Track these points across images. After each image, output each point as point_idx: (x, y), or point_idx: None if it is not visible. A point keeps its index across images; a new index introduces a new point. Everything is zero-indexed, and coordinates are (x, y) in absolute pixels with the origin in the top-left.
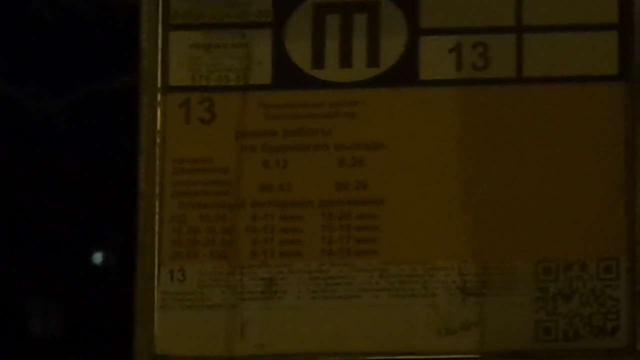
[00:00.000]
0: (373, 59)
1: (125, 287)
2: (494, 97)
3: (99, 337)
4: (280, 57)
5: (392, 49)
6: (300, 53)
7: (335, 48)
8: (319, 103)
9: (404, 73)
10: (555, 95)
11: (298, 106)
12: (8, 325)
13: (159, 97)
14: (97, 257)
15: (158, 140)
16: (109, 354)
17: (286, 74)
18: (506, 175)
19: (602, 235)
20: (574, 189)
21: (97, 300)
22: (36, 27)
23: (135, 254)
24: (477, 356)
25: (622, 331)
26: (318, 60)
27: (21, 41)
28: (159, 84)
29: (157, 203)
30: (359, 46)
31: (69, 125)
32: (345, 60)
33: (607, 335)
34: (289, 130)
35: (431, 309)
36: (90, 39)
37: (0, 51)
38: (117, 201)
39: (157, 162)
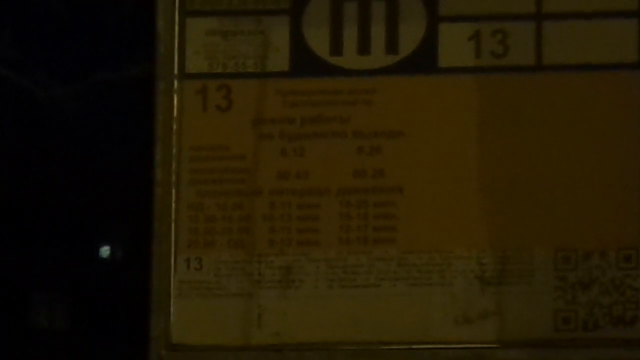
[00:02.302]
0: (391, 46)
1: (132, 280)
2: (513, 85)
3: (105, 329)
4: (298, 44)
5: (410, 36)
6: (318, 40)
7: (354, 35)
8: (337, 90)
9: (423, 60)
10: (575, 83)
11: (316, 93)
12: (15, 317)
13: (175, 84)
14: (105, 251)
15: (174, 127)
16: (114, 346)
17: (304, 61)
18: (525, 163)
19: (622, 224)
20: (593, 177)
21: (103, 293)
22: (45, 15)
23: (144, 246)
24: (495, 345)
25: None
26: (336, 47)
27: (30, 29)
28: (176, 71)
29: (173, 191)
30: (378, 33)
31: (77, 114)
32: (364, 47)
33: (626, 325)
34: (306, 117)
35: (449, 297)
36: (100, 28)
37: (9, 39)
38: (125, 193)
39: (174, 150)
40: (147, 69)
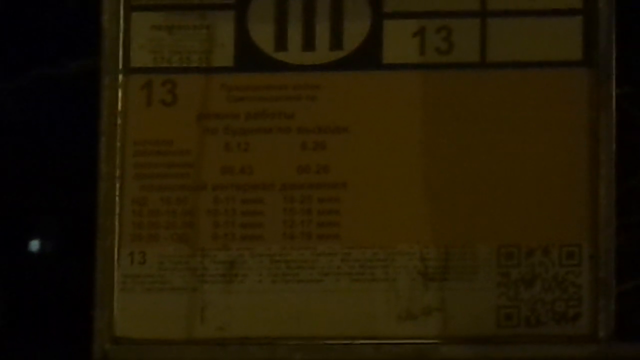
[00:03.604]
0: (336, 42)
1: (62, 274)
2: (457, 82)
3: (35, 322)
4: (243, 39)
5: (355, 32)
6: (263, 35)
7: (299, 31)
8: (282, 86)
9: (368, 56)
10: (519, 80)
11: (260, 89)
12: None
13: (120, 78)
14: (34, 245)
15: (119, 121)
16: (50, 339)
17: (249, 57)
18: (469, 160)
19: (565, 221)
20: (537, 175)
21: (34, 286)
22: None
23: (75, 239)
24: (438, 341)
25: (584, 318)
26: (281, 42)
27: None
28: (120, 65)
29: (117, 185)
30: (322, 29)
31: (13, 109)
32: (308, 43)
33: (569, 321)
34: (251, 113)
35: (392, 293)
36: (39, 23)
37: None
38: (57, 188)
39: (118, 144)
40: (87, 64)
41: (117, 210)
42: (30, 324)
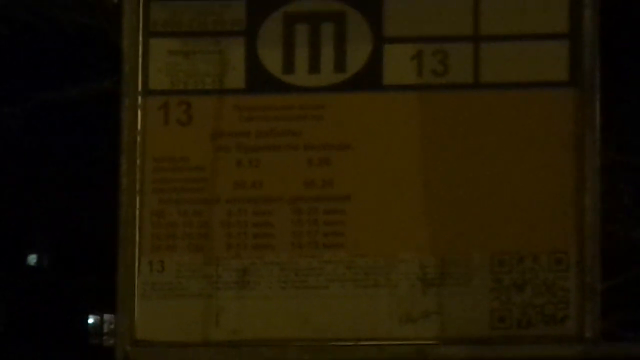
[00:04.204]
0: (340, 65)
1: (58, 285)
2: (452, 102)
3: (33, 329)
4: (253, 63)
5: (357, 55)
6: (271, 59)
7: (305, 55)
8: (289, 106)
9: (369, 78)
10: (510, 100)
11: (269, 109)
12: None
13: (139, 99)
14: (32, 259)
15: (138, 140)
16: (47, 346)
17: (259, 79)
18: (464, 175)
19: (553, 230)
20: (527, 188)
21: (31, 297)
22: None
23: (69, 253)
24: (436, 342)
25: (572, 320)
26: (288, 66)
27: None
28: (140, 88)
29: (137, 199)
30: (327, 53)
31: (20, 131)
32: (314, 66)
33: (557, 323)
34: (261, 131)
35: (394, 298)
36: (42, 51)
37: None
38: (53, 205)
39: (138, 161)
40: (86, 90)
41: (137, 222)
42: (25, 329)
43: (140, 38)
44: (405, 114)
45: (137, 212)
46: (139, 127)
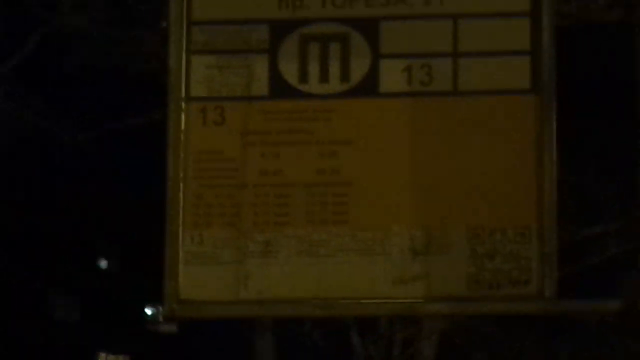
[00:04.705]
0: (345, 76)
1: (125, 285)
2: (436, 106)
3: (105, 321)
4: (275, 74)
5: (359, 69)
6: (289, 71)
7: (316, 68)
8: (304, 109)
9: (368, 87)
10: (483, 104)
11: (288, 112)
12: (36, 313)
13: (182, 105)
14: (103, 264)
15: (182, 137)
16: (114, 333)
17: (279, 88)
18: (446, 164)
19: (518, 209)
20: (497, 175)
21: (104, 294)
22: (68, 75)
23: (135, 260)
24: (423, 300)
25: (533, 282)
26: (303, 77)
27: (58, 86)
28: (183, 95)
29: (181, 184)
30: (334, 66)
31: (93, 155)
32: (324, 77)
33: (521, 285)
34: (281, 130)
35: (388, 264)
36: (112, 84)
37: (41, 97)
38: (121, 218)
39: (181, 154)
40: (143, 120)
41: (181, 203)
42: (98, 320)
43: (184, 55)
44: (397, 116)
45: (181, 195)
46: (182, 127)
